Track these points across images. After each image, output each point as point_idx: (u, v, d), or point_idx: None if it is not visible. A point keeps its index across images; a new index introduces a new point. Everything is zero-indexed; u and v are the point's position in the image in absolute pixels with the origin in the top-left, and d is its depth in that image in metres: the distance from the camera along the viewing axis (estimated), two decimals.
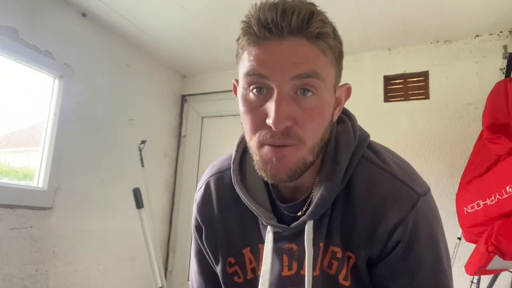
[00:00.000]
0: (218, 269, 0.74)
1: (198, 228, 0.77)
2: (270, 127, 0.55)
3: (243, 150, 0.72)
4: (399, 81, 2.29)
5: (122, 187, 2.30)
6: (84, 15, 2.08)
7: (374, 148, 0.67)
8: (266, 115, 0.55)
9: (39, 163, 1.88)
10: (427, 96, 2.18)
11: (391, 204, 0.60)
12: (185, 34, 2.27)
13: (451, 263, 0.68)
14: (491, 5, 1.83)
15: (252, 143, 0.59)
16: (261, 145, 0.57)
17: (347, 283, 0.62)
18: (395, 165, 0.64)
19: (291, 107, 0.55)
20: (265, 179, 0.60)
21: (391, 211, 0.60)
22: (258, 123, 0.57)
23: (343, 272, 0.63)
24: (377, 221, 0.60)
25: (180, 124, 2.88)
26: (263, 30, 0.55)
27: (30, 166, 1.93)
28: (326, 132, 0.61)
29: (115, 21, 2.15)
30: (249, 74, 0.56)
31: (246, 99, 0.58)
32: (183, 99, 2.92)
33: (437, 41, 2.19)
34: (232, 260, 0.72)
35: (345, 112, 0.70)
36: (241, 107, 0.60)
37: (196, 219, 0.77)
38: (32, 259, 1.77)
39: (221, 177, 0.75)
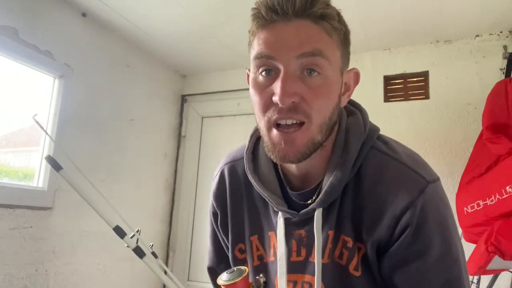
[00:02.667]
0: (229, 253, 0.77)
1: (214, 214, 0.80)
2: (277, 104, 0.57)
3: (256, 140, 0.75)
4: (399, 81, 2.29)
5: (122, 187, 2.30)
6: (84, 15, 2.08)
7: (384, 139, 0.68)
8: (273, 94, 0.58)
9: (39, 163, 1.88)
10: (427, 96, 2.18)
11: (399, 189, 0.60)
12: (185, 34, 2.27)
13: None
14: (491, 5, 1.83)
15: (262, 123, 0.61)
16: (270, 125, 0.60)
17: (357, 273, 0.63)
18: (404, 154, 0.65)
19: (297, 85, 0.57)
20: (274, 160, 0.63)
21: (399, 196, 0.60)
22: (266, 102, 0.59)
23: (354, 262, 0.63)
24: (385, 206, 0.61)
25: (180, 124, 2.88)
26: (270, 12, 0.58)
27: (30, 166, 1.93)
28: (334, 113, 0.62)
29: (115, 21, 2.15)
30: (258, 57, 0.59)
31: (255, 82, 0.61)
32: (183, 99, 2.92)
33: (437, 41, 2.19)
34: (243, 246, 0.74)
35: (357, 106, 0.72)
36: (251, 91, 0.62)
37: (213, 205, 0.80)
38: (32, 259, 1.77)
39: (234, 166, 0.78)
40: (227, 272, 0.54)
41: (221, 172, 0.80)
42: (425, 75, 2.21)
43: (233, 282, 0.53)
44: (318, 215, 0.64)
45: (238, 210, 0.75)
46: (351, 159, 0.63)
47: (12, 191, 1.71)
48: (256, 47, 0.60)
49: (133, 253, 0.56)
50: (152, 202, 2.60)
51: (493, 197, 1.46)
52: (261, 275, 0.55)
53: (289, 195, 0.69)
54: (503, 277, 1.76)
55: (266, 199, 0.68)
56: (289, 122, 0.58)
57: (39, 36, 1.84)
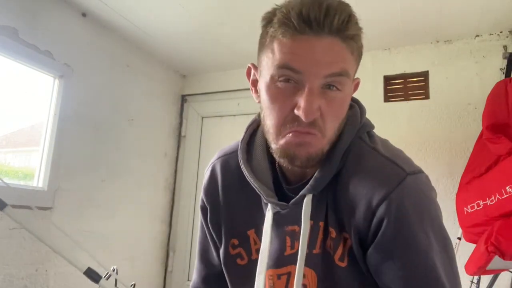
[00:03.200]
0: (221, 250, 0.76)
1: (203, 209, 0.80)
2: (297, 117, 0.57)
3: (252, 132, 0.75)
4: (399, 81, 2.29)
5: (122, 187, 2.30)
6: (84, 15, 2.08)
7: (370, 134, 0.69)
8: (294, 105, 0.57)
9: (39, 163, 1.88)
10: (427, 96, 2.18)
11: (374, 180, 0.60)
12: (185, 34, 2.27)
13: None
14: (491, 5, 1.83)
15: (275, 129, 0.61)
16: (286, 133, 0.59)
17: (343, 264, 0.63)
18: (385, 147, 0.65)
19: (320, 100, 0.57)
20: (284, 164, 0.63)
21: (375, 187, 0.59)
22: (286, 112, 0.59)
23: (338, 252, 0.63)
24: (360, 197, 0.60)
25: (180, 124, 2.88)
26: (303, 24, 0.56)
27: (30, 166, 1.93)
28: (342, 123, 0.63)
29: (115, 21, 2.15)
30: (283, 67, 0.57)
31: (274, 88, 0.60)
32: (183, 99, 2.92)
33: (437, 41, 2.19)
34: (235, 241, 0.74)
35: (356, 101, 0.73)
36: (266, 95, 0.61)
37: (202, 200, 0.80)
38: (32, 259, 1.77)
39: (227, 160, 0.78)
40: None
41: (212, 167, 0.79)
42: (425, 75, 2.21)
43: None
44: (307, 202, 0.63)
45: (232, 204, 0.75)
46: (341, 150, 0.64)
47: (12, 191, 1.71)
48: (280, 56, 0.58)
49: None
50: (152, 202, 2.60)
51: (493, 197, 1.46)
52: None
53: (284, 191, 0.69)
54: (503, 277, 1.76)
55: (257, 190, 0.68)
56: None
57: (39, 36, 1.84)
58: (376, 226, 0.59)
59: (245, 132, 0.74)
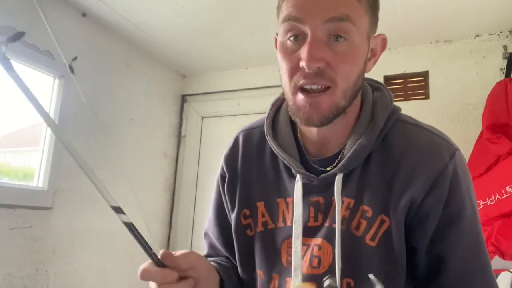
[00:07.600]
0: (233, 217, 0.76)
1: (222, 176, 0.81)
2: (303, 69, 0.58)
3: (276, 109, 0.77)
4: (399, 81, 2.29)
5: (122, 187, 2.30)
6: (84, 15, 2.08)
7: (408, 115, 0.71)
8: (300, 59, 0.58)
9: (39, 163, 1.88)
10: (427, 96, 2.18)
11: (431, 154, 0.62)
12: (185, 34, 2.27)
13: None
14: (491, 5, 1.83)
15: (288, 88, 0.62)
16: (296, 90, 0.60)
17: (373, 244, 0.62)
18: (429, 126, 0.69)
19: (324, 50, 0.58)
20: (298, 123, 0.65)
21: (433, 159, 0.62)
22: (293, 67, 0.60)
23: (371, 232, 0.63)
24: (418, 170, 0.62)
25: (180, 124, 2.88)
26: None
27: (30, 166, 1.93)
28: (359, 79, 0.63)
29: (115, 21, 2.15)
30: (286, 19, 0.60)
31: (283, 47, 0.62)
32: (183, 99, 2.92)
33: (437, 41, 2.19)
34: (247, 212, 0.75)
35: (381, 84, 0.74)
36: (278, 55, 0.63)
37: (222, 168, 0.81)
38: (32, 259, 1.77)
39: (249, 133, 0.80)
40: None
41: (236, 137, 0.81)
42: (425, 75, 2.21)
43: None
44: (338, 181, 0.64)
45: (247, 175, 0.76)
46: (378, 129, 0.65)
47: (12, 191, 1.71)
48: (285, 10, 0.60)
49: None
50: (152, 202, 2.60)
51: (493, 197, 1.46)
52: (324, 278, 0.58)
53: (308, 163, 0.69)
54: (503, 277, 1.76)
55: (286, 162, 0.69)
56: (314, 87, 0.59)
57: (39, 36, 1.84)
58: (434, 198, 0.61)
59: (270, 109, 0.76)
